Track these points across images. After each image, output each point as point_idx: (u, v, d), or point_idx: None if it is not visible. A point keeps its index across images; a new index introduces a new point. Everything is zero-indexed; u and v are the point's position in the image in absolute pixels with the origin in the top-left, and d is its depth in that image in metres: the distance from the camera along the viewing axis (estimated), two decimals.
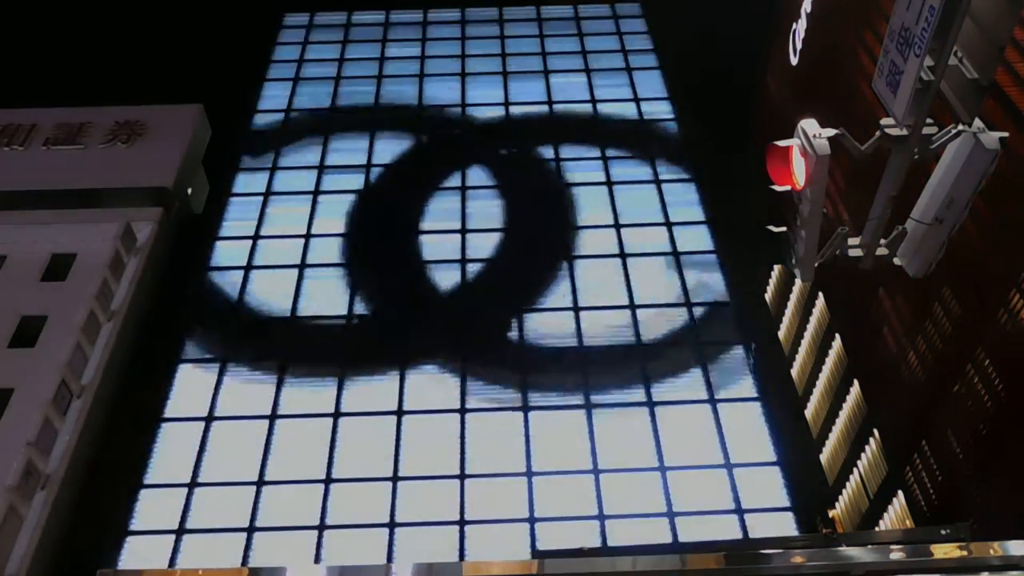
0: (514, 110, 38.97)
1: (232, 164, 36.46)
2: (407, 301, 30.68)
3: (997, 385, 18.93)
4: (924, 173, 10.97)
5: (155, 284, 31.29)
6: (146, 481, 25.28)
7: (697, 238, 32.24)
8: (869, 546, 13.52)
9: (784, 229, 11.70)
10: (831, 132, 10.14)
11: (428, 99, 39.88)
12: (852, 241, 11.69)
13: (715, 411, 26.25)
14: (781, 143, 10.55)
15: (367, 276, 31.56)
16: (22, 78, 40.72)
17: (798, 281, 29.25)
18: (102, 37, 43.53)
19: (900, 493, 23.41)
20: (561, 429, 26.10)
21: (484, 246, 32.17)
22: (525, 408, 26.66)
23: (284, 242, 32.79)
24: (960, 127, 10.04)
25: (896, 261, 11.60)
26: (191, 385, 27.85)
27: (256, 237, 33.04)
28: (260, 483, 25.07)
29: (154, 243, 31.60)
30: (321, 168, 36.07)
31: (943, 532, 16.17)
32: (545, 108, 39.00)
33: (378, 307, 30.59)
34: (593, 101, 39.22)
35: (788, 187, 10.77)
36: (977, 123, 9.97)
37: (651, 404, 26.59)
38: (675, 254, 31.55)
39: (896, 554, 10.66)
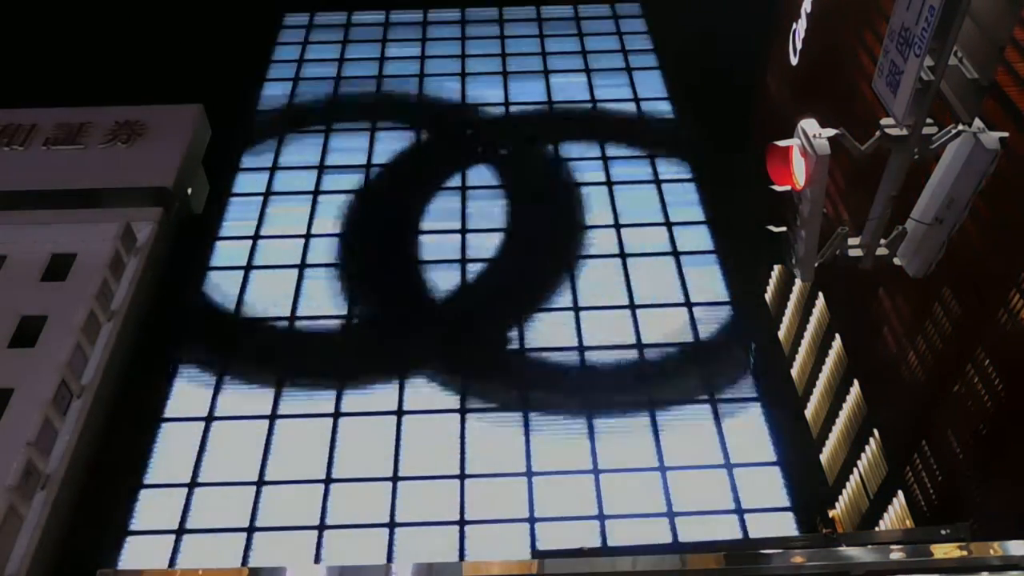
0: (514, 110, 38.97)
1: (232, 164, 36.46)
2: (407, 302, 30.67)
3: (997, 385, 18.93)
4: (924, 173, 10.97)
5: (155, 284, 31.29)
6: (146, 481, 25.27)
7: (697, 238, 32.25)
8: (869, 546, 13.51)
9: (784, 229, 11.69)
10: (831, 132, 10.13)
11: (428, 99, 39.87)
12: (852, 241, 11.68)
13: (715, 411, 26.24)
14: (781, 143, 10.54)
15: (368, 276, 31.55)
16: (22, 78, 40.72)
17: (798, 281, 29.25)
18: (102, 37, 43.53)
19: (900, 493, 23.40)
20: (561, 429, 26.09)
21: (485, 246, 32.17)
22: (525, 409, 26.65)
23: (284, 242, 32.79)
24: (960, 127, 10.03)
25: (896, 261, 11.59)
26: (191, 385, 27.84)
27: (256, 237, 33.04)
28: (260, 483, 25.06)
29: (154, 243, 31.60)
30: (321, 168, 36.06)
31: (943, 532, 16.16)
32: (545, 108, 39.00)
33: (378, 308, 30.58)
34: (593, 101, 39.22)
35: (788, 187, 10.75)
36: (977, 123, 9.96)
37: (651, 404, 26.58)
38: (675, 254, 31.55)
39: (896, 554, 10.66)
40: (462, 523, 23.80)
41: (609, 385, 27.28)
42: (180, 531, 24.05)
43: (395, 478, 24.94)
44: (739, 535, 23.21)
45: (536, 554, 22.45)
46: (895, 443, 23.93)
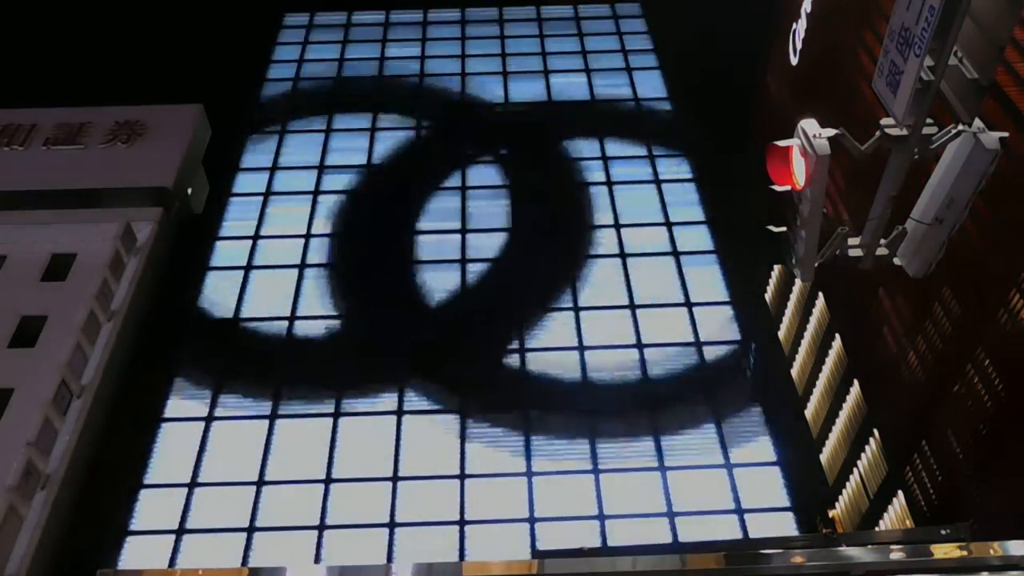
0: (514, 110, 38.94)
1: (232, 164, 36.45)
2: (407, 302, 30.65)
3: (997, 385, 18.93)
4: (924, 173, 10.96)
5: (155, 284, 31.28)
6: (146, 481, 25.28)
7: (697, 238, 32.25)
8: (869, 546, 13.50)
9: (784, 229, 11.68)
10: (831, 132, 10.13)
11: (428, 99, 39.85)
12: (852, 241, 11.67)
13: (715, 411, 26.23)
14: (781, 143, 10.53)
15: (368, 277, 31.54)
16: (22, 78, 40.71)
17: (798, 281, 29.23)
18: (102, 37, 43.52)
19: (900, 493, 23.39)
20: (561, 429, 26.08)
21: (485, 247, 32.16)
22: (525, 409, 26.65)
23: (284, 242, 32.79)
24: (960, 127, 10.03)
25: (896, 261, 11.59)
26: (189, 392, 27.81)
27: (256, 237, 33.03)
28: (260, 483, 25.07)
29: (154, 243, 31.59)
30: (321, 168, 36.06)
31: (943, 532, 16.15)
32: (545, 108, 38.99)
33: (378, 309, 30.56)
34: (593, 101, 39.19)
35: (788, 187, 10.75)
36: (977, 123, 9.95)
37: (651, 404, 26.56)
38: (675, 254, 31.55)
39: (896, 554, 10.65)
40: (462, 523, 23.81)
41: (609, 385, 27.26)
42: (180, 531, 24.05)
43: (395, 478, 24.95)
44: (739, 535, 23.22)
45: (536, 554, 22.45)
46: (895, 443, 23.92)
